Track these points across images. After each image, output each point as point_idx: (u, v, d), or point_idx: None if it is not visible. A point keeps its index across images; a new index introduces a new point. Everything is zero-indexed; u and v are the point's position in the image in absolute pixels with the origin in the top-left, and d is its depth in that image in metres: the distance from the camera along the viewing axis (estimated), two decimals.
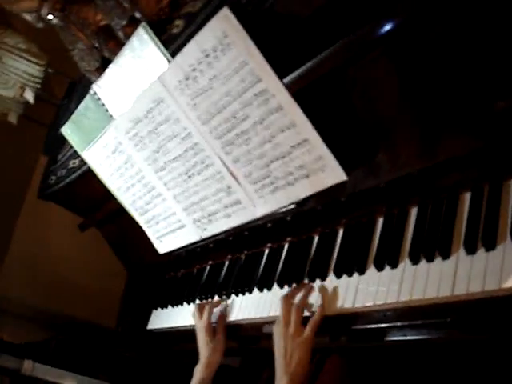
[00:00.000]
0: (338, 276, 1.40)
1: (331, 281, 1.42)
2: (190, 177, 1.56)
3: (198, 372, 1.58)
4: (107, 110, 1.63)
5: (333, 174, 1.24)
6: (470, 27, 1.05)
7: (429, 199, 1.29)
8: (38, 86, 2.11)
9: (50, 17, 1.57)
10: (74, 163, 1.99)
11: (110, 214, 2.14)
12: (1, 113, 2.22)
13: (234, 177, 1.45)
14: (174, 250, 1.98)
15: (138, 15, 1.39)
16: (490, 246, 1.10)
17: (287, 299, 1.40)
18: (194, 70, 1.32)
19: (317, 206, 1.48)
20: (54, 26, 1.62)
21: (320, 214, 1.52)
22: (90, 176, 1.97)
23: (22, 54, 1.95)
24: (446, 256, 1.17)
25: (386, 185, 1.34)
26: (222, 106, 1.33)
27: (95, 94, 1.62)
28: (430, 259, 1.20)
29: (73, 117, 1.79)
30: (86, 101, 1.68)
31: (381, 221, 1.39)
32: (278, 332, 1.35)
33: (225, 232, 1.70)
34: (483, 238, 1.12)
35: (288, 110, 1.22)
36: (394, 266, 1.27)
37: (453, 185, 1.24)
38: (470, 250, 1.13)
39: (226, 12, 1.17)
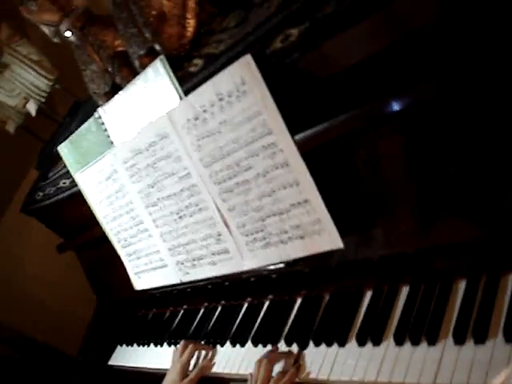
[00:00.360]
0: (317, 344, 1.36)
1: (309, 348, 1.37)
2: (180, 217, 1.52)
3: None
4: (109, 136, 1.59)
5: (329, 239, 1.20)
6: (483, 114, 1.03)
7: (422, 281, 1.25)
8: (43, 100, 2.07)
9: (68, 33, 1.56)
10: (64, 183, 1.94)
11: (91, 241, 2.08)
12: (0, 120, 2.19)
13: (227, 225, 1.41)
14: (149, 288, 1.93)
15: (157, 47, 1.37)
16: (480, 340, 1.06)
17: (269, 364, 1.34)
18: (205, 111, 1.30)
19: (305, 268, 1.44)
20: (69, 43, 1.60)
21: (307, 277, 1.48)
22: (78, 199, 1.92)
23: (32, 65, 1.92)
24: (432, 342, 1.13)
25: (379, 259, 1.30)
26: (227, 152, 1.30)
27: (100, 117, 1.58)
28: (416, 343, 1.16)
29: (72, 137, 1.75)
30: (89, 123, 1.64)
31: (369, 294, 1.35)
32: None
33: (206, 279, 1.66)
34: (474, 329, 1.08)
35: (294, 168, 1.19)
36: (377, 343, 1.23)
37: (448, 270, 1.21)
38: (459, 340, 1.09)
39: (248, 59, 1.15)
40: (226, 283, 1.71)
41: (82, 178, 1.80)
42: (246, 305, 1.70)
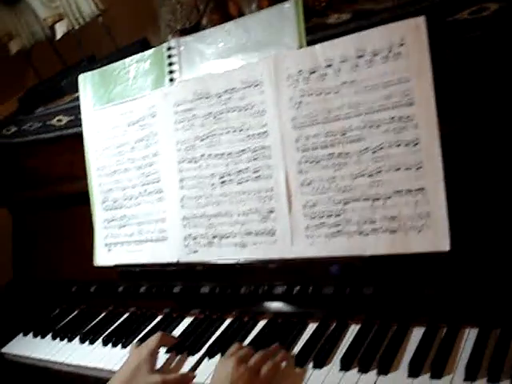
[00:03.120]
0: None
1: None
2: (223, 182, 1.31)
3: None
4: (171, 72, 1.39)
5: (432, 239, 1.05)
6: None
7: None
8: (76, 27, 1.82)
9: None
10: (59, 120, 1.65)
11: (48, 199, 1.76)
12: (8, 33, 1.87)
13: (289, 201, 1.22)
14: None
15: None
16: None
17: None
18: (329, 65, 1.16)
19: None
20: None
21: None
22: (69, 142, 1.65)
23: None
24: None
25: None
26: (336, 117, 1.16)
27: (170, 49, 1.39)
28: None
29: (107, 68, 1.53)
30: (148, 54, 1.44)
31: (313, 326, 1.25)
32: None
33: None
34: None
35: (424, 147, 1.06)
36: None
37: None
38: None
39: (419, 21, 1.06)
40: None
41: (95, 116, 1.55)
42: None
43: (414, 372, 1.03)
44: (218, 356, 1.30)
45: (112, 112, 1.51)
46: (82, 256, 1.69)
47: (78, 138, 1.60)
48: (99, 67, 1.59)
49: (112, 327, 1.60)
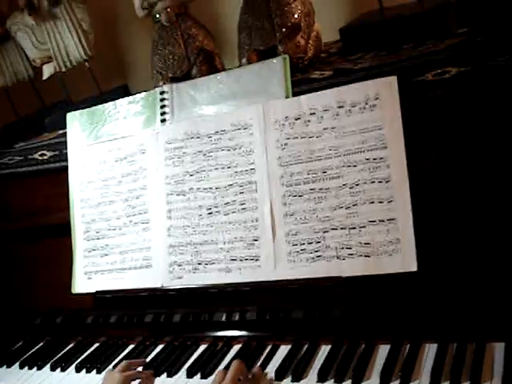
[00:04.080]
0: None
1: None
2: (210, 213, 1.45)
3: None
4: (163, 114, 1.54)
5: (401, 261, 1.23)
6: None
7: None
8: (63, 69, 1.91)
9: (163, 12, 1.58)
10: (42, 155, 1.74)
11: (23, 231, 1.82)
12: None
13: (273, 230, 1.37)
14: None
15: (280, 48, 1.45)
16: None
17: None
18: (312, 113, 1.35)
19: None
20: (157, 21, 1.61)
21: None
22: (48, 175, 1.73)
23: (79, 31, 1.81)
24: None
25: None
26: (318, 157, 1.34)
27: (163, 93, 1.54)
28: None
29: (95, 108, 1.65)
30: (139, 97, 1.58)
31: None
32: None
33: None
34: None
35: (395, 184, 1.26)
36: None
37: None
38: None
39: (392, 79, 1.28)
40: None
41: (83, 152, 1.65)
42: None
43: (385, 380, 1.18)
44: (198, 376, 1.39)
45: (100, 148, 1.62)
46: (51, 287, 1.75)
47: (60, 172, 1.69)
48: (83, 108, 1.71)
49: (84, 355, 1.65)
